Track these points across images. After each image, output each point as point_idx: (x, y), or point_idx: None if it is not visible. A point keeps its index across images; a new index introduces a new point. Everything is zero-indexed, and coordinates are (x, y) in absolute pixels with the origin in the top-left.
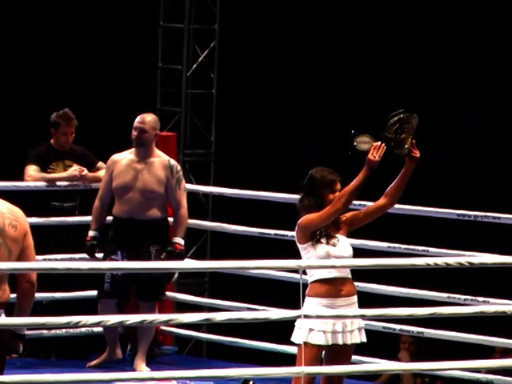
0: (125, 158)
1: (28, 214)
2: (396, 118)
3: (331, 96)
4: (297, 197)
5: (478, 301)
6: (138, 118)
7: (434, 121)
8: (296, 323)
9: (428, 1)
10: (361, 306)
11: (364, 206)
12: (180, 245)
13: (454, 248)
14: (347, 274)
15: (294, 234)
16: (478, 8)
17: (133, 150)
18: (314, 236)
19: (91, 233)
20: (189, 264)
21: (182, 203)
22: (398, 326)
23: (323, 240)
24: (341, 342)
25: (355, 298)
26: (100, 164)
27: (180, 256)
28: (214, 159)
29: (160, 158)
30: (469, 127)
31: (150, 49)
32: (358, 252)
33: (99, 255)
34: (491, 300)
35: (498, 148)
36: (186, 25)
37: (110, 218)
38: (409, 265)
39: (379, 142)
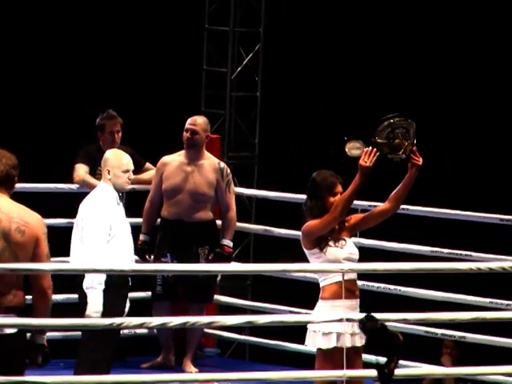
0: (175, 160)
1: (71, 216)
2: (386, 123)
3: (379, 101)
4: None
5: None
6: (189, 120)
7: (476, 124)
8: (309, 326)
9: (426, 5)
10: (403, 309)
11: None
12: (229, 247)
13: (497, 253)
14: (356, 275)
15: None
16: (474, 11)
17: (182, 152)
18: (322, 240)
19: (142, 237)
20: (232, 266)
21: (231, 206)
22: (440, 331)
23: (331, 243)
24: (350, 344)
25: None
26: (147, 165)
27: (228, 258)
28: (258, 162)
29: (210, 160)
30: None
31: (195, 51)
32: (401, 256)
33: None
34: None
35: None
36: (231, 28)
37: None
38: (451, 269)
39: (370, 148)
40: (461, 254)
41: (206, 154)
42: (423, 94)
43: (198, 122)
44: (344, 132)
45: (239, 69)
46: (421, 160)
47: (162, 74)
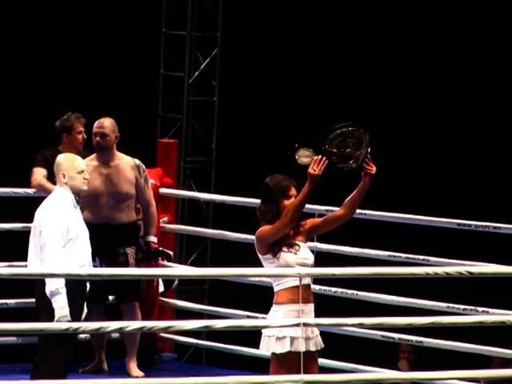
0: (89, 164)
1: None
2: (338, 132)
3: (336, 105)
4: None
5: (477, 311)
6: (96, 124)
7: (464, 132)
8: (264, 331)
9: (418, 13)
10: (360, 314)
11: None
12: (155, 243)
13: (454, 258)
14: (310, 280)
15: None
16: (464, 21)
17: (93, 156)
18: (275, 246)
19: None
20: (189, 271)
21: (151, 201)
22: (397, 335)
23: (285, 249)
24: (304, 349)
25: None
26: None
27: (156, 254)
28: (216, 166)
29: (124, 159)
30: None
31: (152, 56)
32: (359, 260)
33: None
34: (491, 310)
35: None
36: (188, 32)
37: None
38: (409, 274)
39: (320, 156)
40: (418, 259)
41: (118, 154)
42: (410, 102)
43: (105, 124)
44: (302, 137)
45: (196, 73)
46: (374, 169)
47: (119, 78)
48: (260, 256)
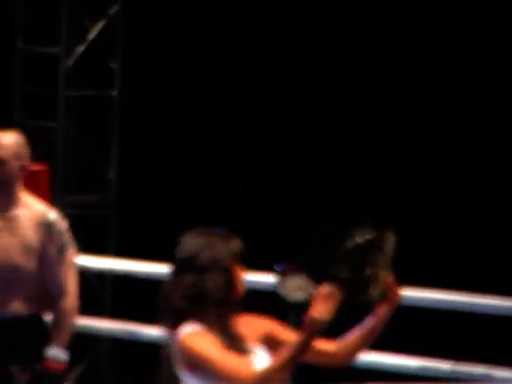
0: None
1: None
2: (351, 246)
3: (338, 107)
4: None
5: None
6: None
7: (468, 133)
8: None
9: (418, 14)
10: None
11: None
12: (56, 361)
13: None
14: None
15: None
16: (466, 22)
17: None
18: None
19: None
20: None
21: (66, 287)
22: None
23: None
24: None
25: None
26: None
27: (55, 380)
28: (117, 210)
29: (29, 209)
30: None
31: (2, 20)
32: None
33: None
34: None
35: None
36: None
37: None
38: None
39: (325, 288)
40: None
41: (24, 197)
42: (414, 103)
43: (3, 142)
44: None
45: (81, 49)
46: (399, 295)
47: None
48: (184, 373)
